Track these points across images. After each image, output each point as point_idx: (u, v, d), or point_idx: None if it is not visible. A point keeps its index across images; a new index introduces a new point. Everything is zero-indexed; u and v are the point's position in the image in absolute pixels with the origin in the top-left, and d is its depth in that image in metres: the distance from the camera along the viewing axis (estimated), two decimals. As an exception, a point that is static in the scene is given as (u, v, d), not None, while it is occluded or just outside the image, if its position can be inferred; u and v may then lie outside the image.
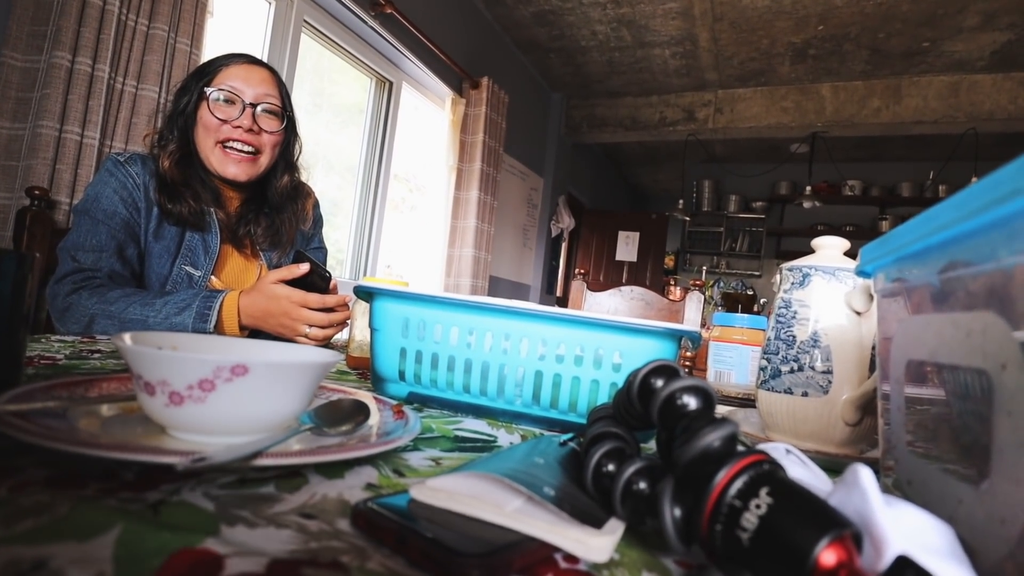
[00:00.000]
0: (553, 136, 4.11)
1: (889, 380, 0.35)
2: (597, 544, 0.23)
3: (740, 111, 3.75)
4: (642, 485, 0.24)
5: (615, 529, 0.24)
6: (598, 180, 5.30)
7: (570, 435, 0.37)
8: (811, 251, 0.57)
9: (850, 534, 0.20)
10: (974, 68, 3.18)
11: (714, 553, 0.22)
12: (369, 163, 2.71)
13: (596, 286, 4.40)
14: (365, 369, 0.72)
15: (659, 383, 0.26)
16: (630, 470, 0.25)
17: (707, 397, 0.24)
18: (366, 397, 0.42)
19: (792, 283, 0.55)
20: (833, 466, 0.49)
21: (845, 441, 0.51)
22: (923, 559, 0.19)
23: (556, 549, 0.23)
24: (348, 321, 0.83)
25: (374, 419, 0.37)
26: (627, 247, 4.94)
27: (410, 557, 0.21)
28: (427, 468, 0.32)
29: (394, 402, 0.42)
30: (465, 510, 0.24)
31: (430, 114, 3.06)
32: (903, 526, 0.20)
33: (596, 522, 0.24)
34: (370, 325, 0.52)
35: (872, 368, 0.50)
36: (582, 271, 1.91)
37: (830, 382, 0.51)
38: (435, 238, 2.99)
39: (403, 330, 0.50)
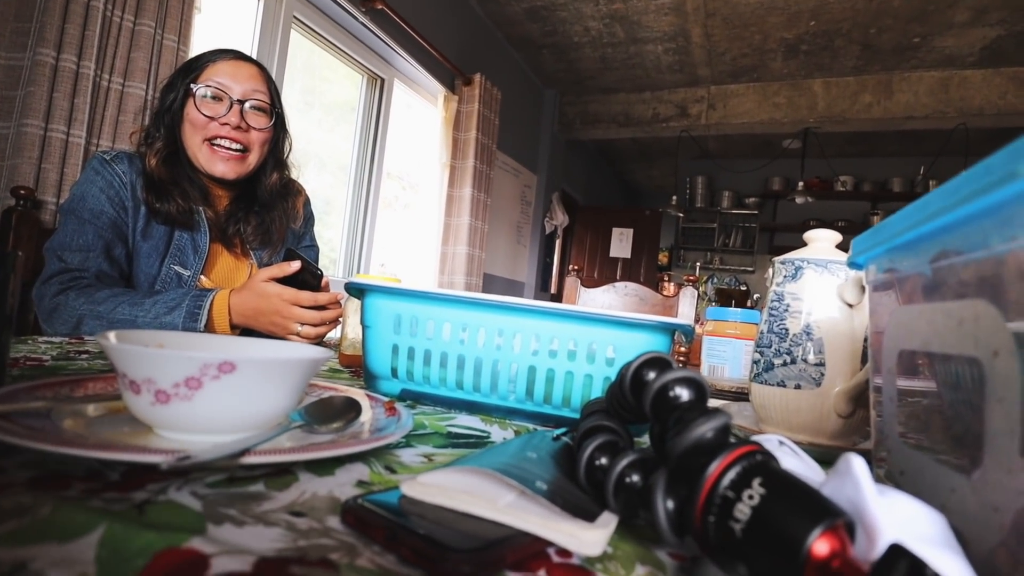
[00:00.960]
0: (546, 133, 4.10)
1: (881, 372, 0.35)
2: (590, 538, 0.23)
3: (733, 107, 3.76)
4: (635, 478, 0.24)
5: (608, 522, 0.24)
6: (592, 176, 5.30)
7: (563, 430, 0.37)
8: (804, 246, 0.57)
9: (843, 523, 0.19)
10: (964, 64, 3.20)
11: (708, 545, 0.21)
12: (361, 161, 2.69)
13: (590, 282, 4.40)
14: (358, 367, 0.71)
15: (651, 375, 0.26)
16: (623, 463, 0.24)
17: (699, 388, 0.24)
18: (358, 394, 0.42)
19: (784, 276, 0.55)
20: (826, 457, 0.49)
21: (838, 433, 0.51)
22: (916, 548, 0.19)
23: (549, 543, 0.23)
24: (340, 319, 0.83)
25: (366, 416, 0.37)
26: (621, 243, 4.94)
27: (400, 554, 0.20)
28: (419, 464, 0.32)
29: (386, 399, 0.42)
30: (457, 505, 0.24)
31: (423, 111, 3.05)
32: (896, 515, 0.20)
33: (589, 516, 0.24)
34: (362, 322, 0.52)
35: (864, 360, 0.50)
36: (576, 267, 1.91)
37: (823, 374, 0.51)
38: (429, 236, 2.98)
39: (395, 327, 0.50)
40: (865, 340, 0.50)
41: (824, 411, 0.51)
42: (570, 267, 1.93)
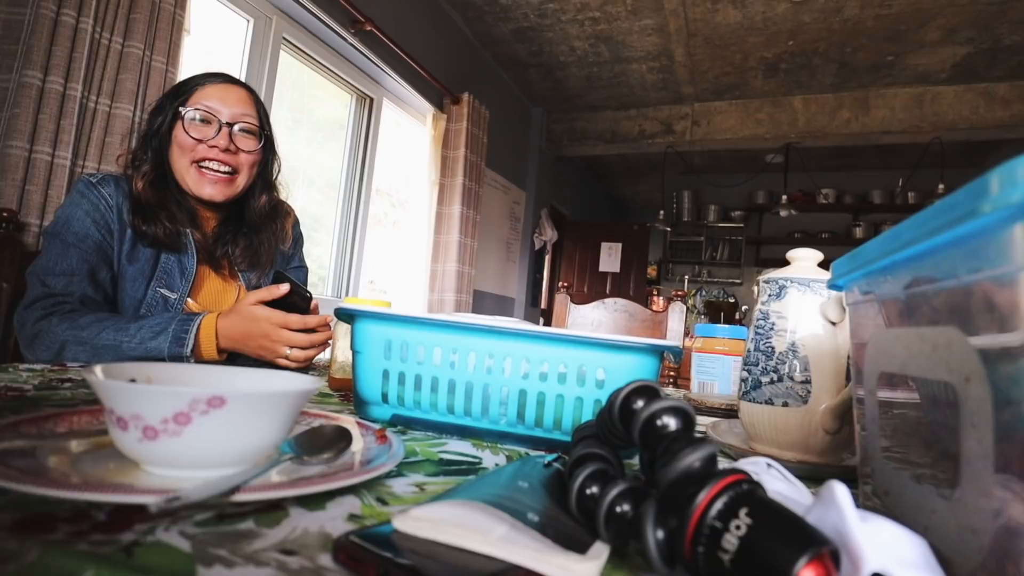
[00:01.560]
0: (534, 150, 4.14)
1: (864, 389, 0.35)
2: (582, 570, 0.23)
3: (716, 123, 3.83)
4: (625, 507, 0.24)
5: (600, 553, 0.24)
6: (580, 192, 5.35)
7: (554, 456, 0.37)
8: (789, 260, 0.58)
9: (828, 552, 0.20)
10: (937, 80, 3.30)
11: (698, 574, 0.22)
12: (351, 179, 2.70)
13: (580, 298, 4.42)
14: (347, 391, 0.71)
15: (639, 404, 0.26)
16: (613, 493, 0.25)
17: (686, 417, 0.25)
18: (348, 422, 0.41)
19: (769, 295, 0.56)
20: (815, 475, 0.50)
21: (825, 449, 0.52)
22: (898, 573, 0.20)
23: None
24: (330, 342, 0.82)
25: (356, 445, 0.37)
26: (610, 258, 4.97)
27: (393, 591, 0.20)
28: (411, 495, 0.32)
29: (377, 426, 0.42)
30: (449, 539, 0.24)
31: (411, 130, 3.07)
32: (879, 541, 0.21)
33: (581, 546, 0.24)
34: (352, 347, 0.52)
35: (848, 376, 0.51)
36: (566, 284, 1.92)
37: (809, 392, 0.51)
38: (418, 253, 2.98)
39: (385, 352, 0.50)
40: (848, 357, 0.51)
41: (811, 428, 0.51)
42: (559, 284, 1.94)
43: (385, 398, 0.51)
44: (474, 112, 3.06)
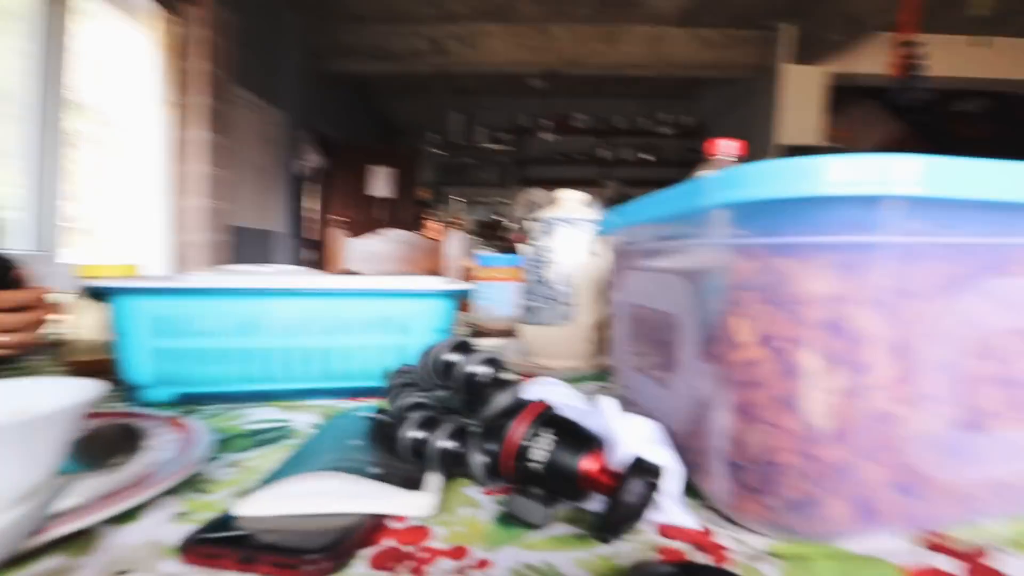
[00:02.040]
0: (292, 64, 3.66)
1: (617, 311, 0.46)
2: (424, 503, 0.27)
3: (486, 46, 3.91)
4: (451, 444, 0.29)
5: (436, 486, 0.28)
6: (349, 114, 4.97)
7: (374, 408, 0.39)
8: (551, 179, 0.68)
9: (599, 446, 0.28)
10: (670, 21, 3.88)
11: (517, 481, 0.28)
12: (43, 92, 2.02)
13: (355, 227, 4.25)
14: (98, 373, 0.60)
15: (457, 358, 0.31)
16: (441, 435, 0.29)
17: (496, 365, 0.30)
18: (129, 416, 0.37)
19: (541, 232, 0.65)
20: (580, 377, 0.62)
21: (588, 355, 0.65)
22: (644, 449, 0.29)
23: (389, 516, 0.26)
24: (51, 318, 0.66)
25: (151, 440, 0.33)
26: (382, 182, 4.83)
27: (260, 572, 0.21)
28: (231, 477, 0.31)
29: (167, 414, 0.38)
30: (298, 510, 0.25)
31: (130, 33, 2.40)
32: (630, 430, 0.29)
33: (417, 483, 0.28)
34: (113, 329, 0.44)
35: (606, 297, 0.64)
36: (342, 218, 1.85)
37: (574, 312, 0.63)
38: (153, 188, 2.46)
39: (158, 329, 0.44)
40: (606, 283, 0.64)
41: (577, 340, 0.64)
42: (333, 217, 1.85)
43: (163, 379, 0.45)
44: (216, 17, 2.53)
